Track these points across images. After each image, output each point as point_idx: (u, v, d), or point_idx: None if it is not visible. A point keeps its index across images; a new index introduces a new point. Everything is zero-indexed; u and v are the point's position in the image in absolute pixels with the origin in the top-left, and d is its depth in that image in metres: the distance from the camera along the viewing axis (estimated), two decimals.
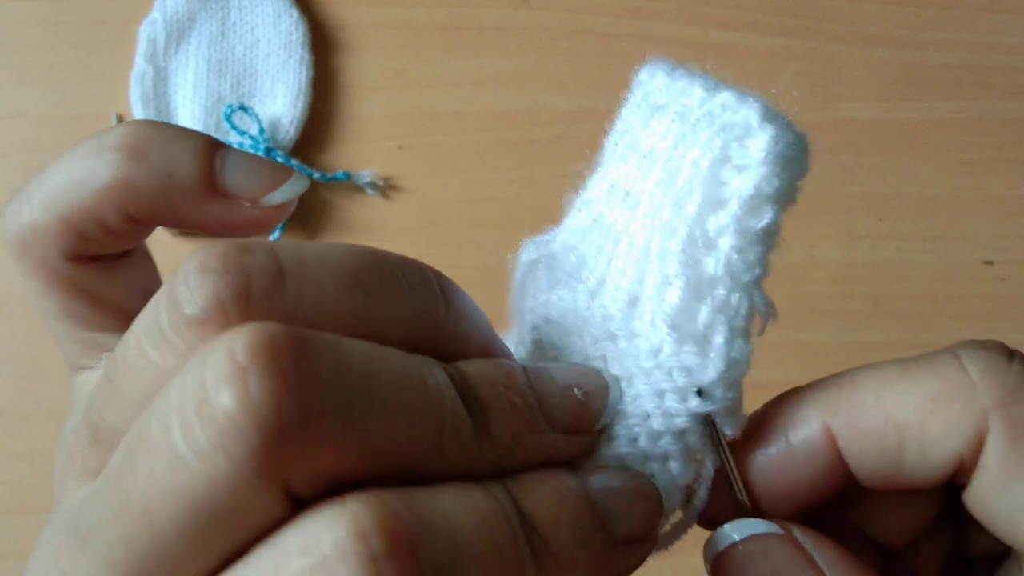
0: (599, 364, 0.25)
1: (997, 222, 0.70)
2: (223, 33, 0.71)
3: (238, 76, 0.70)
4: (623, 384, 0.25)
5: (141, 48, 0.69)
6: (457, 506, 0.20)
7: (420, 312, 0.22)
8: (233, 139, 0.67)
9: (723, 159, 0.24)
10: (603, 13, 0.72)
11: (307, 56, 0.70)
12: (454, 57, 0.71)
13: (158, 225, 0.24)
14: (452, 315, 0.23)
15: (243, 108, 0.67)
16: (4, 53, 0.69)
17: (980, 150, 0.71)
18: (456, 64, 0.71)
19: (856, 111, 0.71)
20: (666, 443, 0.24)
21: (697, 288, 0.24)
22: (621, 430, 0.24)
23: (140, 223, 0.24)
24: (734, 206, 0.24)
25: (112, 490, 0.20)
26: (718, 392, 0.24)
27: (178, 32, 0.70)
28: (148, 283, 0.27)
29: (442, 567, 0.19)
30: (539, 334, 0.27)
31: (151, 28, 0.69)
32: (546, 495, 0.22)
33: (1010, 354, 0.23)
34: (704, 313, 0.24)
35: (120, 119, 0.69)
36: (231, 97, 0.69)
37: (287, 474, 0.19)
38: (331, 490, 0.19)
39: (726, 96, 0.25)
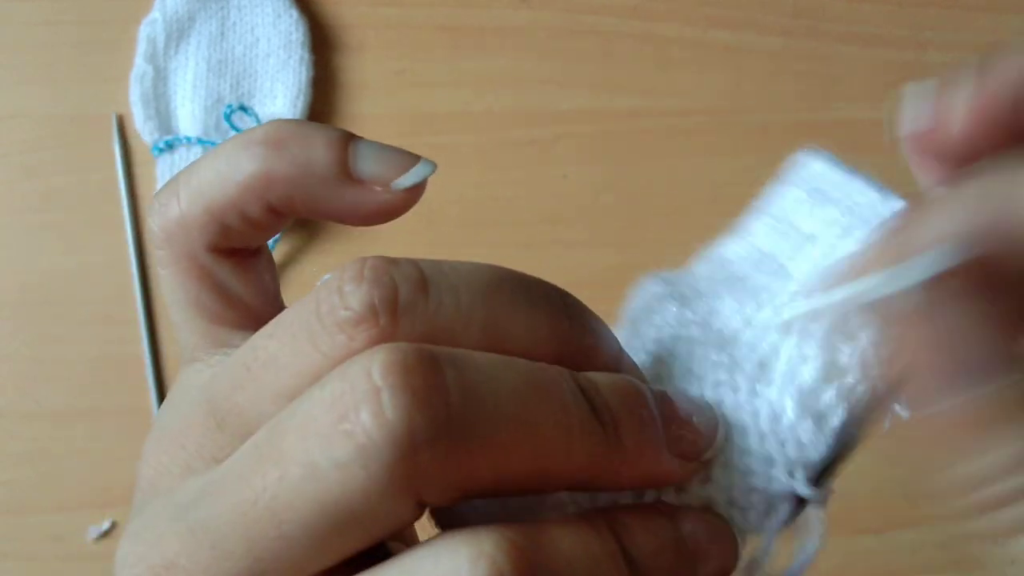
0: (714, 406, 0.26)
1: None
2: (223, 33, 0.71)
3: (238, 76, 0.70)
4: (735, 435, 0.26)
5: (141, 48, 0.69)
6: (576, 547, 0.22)
7: (547, 323, 0.24)
8: None
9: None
10: (603, 13, 0.72)
11: (307, 56, 0.70)
12: (454, 57, 0.71)
13: (296, 215, 0.26)
14: (578, 328, 0.24)
15: (243, 108, 0.67)
16: (4, 53, 0.69)
17: None
18: (456, 64, 0.71)
19: (856, 111, 0.71)
20: (756, 500, 0.25)
21: (829, 372, 0.26)
22: (719, 473, 0.26)
23: (279, 214, 0.26)
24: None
25: (237, 486, 0.21)
26: (819, 478, 0.26)
27: (178, 32, 0.70)
28: (273, 285, 0.29)
29: None
30: (659, 364, 0.28)
31: (151, 28, 0.69)
32: (648, 540, 0.23)
33: None
34: (828, 395, 0.26)
35: (120, 119, 0.69)
36: (231, 97, 0.70)
37: (419, 485, 0.21)
38: (463, 496, 0.21)
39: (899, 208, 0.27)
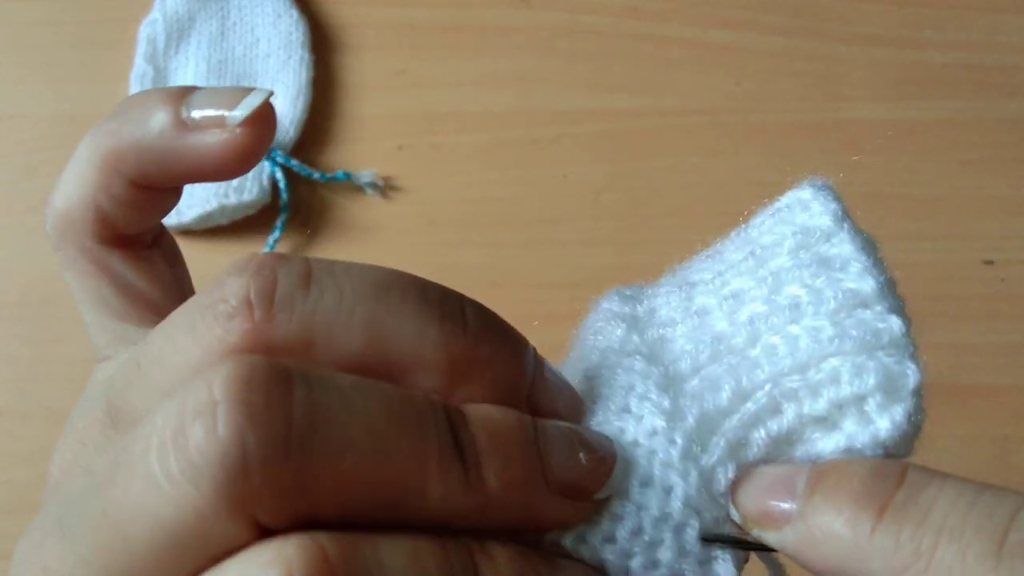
0: (641, 453, 0.24)
1: (997, 222, 0.70)
2: (223, 33, 0.71)
3: (238, 76, 0.70)
4: (648, 481, 0.24)
5: (141, 48, 0.69)
6: (402, 561, 0.20)
7: (438, 329, 0.22)
8: None
9: (858, 399, 0.24)
10: (603, 13, 0.72)
11: (307, 56, 0.70)
12: (454, 57, 0.71)
13: (156, 184, 0.26)
14: (473, 337, 0.23)
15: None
16: (4, 53, 0.69)
17: (980, 150, 0.71)
18: (456, 64, 0.71)
19: (856, 111, 0.71)
20: (666, 549, 0.24)
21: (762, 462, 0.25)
22: (626, 514, 0.24)
23: (143, 187, 0.26)
24: (831, 444, 0.24)
25: (95, 496, 0.21)
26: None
27: (178, 32, 0.70)
28: (174, 278, 0.29)
29: None
30: (590, 387, 0.26)
31: (151, 28, 0.69)
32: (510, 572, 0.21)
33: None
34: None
35: None
36: None
37: (252, 508, 0.19)
38: (304, 522, 0.20)
39: (897, 327, 0.24)
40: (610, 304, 0.28)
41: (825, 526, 0.22)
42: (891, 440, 0.24)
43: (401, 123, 0.70)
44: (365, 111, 0.70)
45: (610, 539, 0.24)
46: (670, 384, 0.25)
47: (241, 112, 0.25)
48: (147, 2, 0.70)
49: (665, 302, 0.27)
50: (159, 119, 0.25)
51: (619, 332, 0.27)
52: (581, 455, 0.23)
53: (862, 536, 0.22)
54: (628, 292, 0.28)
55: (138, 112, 0.26)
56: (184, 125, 0.25)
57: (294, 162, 0.68)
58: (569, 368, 0.27)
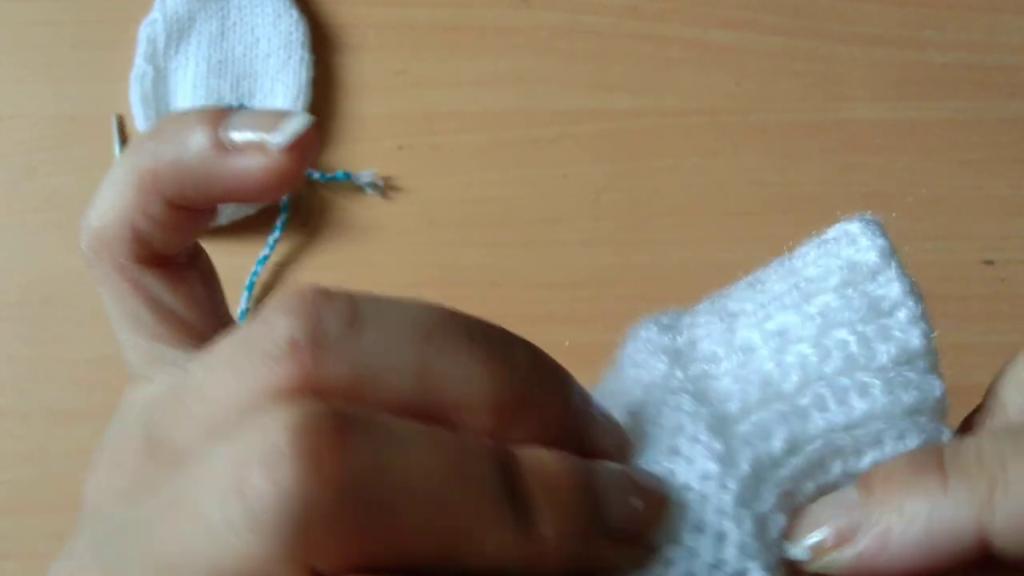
0: (692, 496, 0.24)
1: (997, 222, 0.70)
2: (223, 33, 0.71)
3: (238, 76, 0.70)
4: (701, 527, 0.23)
5: (141, 48, 0.69)
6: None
7: (487, 371, 0.22)
8: None
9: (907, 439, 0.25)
10: (603, 13, 0.72)
11: (307, 56, 0.70)
12: (454, 57, 0.71)
13: (194, 205, 0.26)
14: (520, 378, 0.22)
15: (243, 108, 0.67)
16: (4, 53, 0.69)
17: (980, 150, 0.71)
18: (456, 64, 0.71)
19: (856, 111, 0.71)
20: None
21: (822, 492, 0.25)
22: (679, 559, 0.23)
23: (182, 208, 0.26)
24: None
25: (143, 535, 0.21)
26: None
27: (178, 32, 0.70)
28: (210, 300, 0.28)
29: None
30: (636, 425, 0.25)
31: (151, 28, 0.69)
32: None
33: None
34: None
35: (120, 119, 0.69)
36: (231, 97, 0.69)
37: (312, 559, 0.19)
38: (359, 568, 0.20)
39: (937, 392, 0.25)
40: (649, 333, 0.27)
41: (898, 509, 0.22)
42: None
43: (401, 123, 0.70)
44: (365, 111, 0.70)
45: None
46: (720, 426, 0.24)
47: (282, 138, 0.25)
48: (147, 2, 0.70)
49: (706, 333, 0.26)
50: (198, 140, 0.25)
51: (661, 367, 0.26)
52: (633, 499, 0.23)
53: (937, 495, 0.22)
54: (666, 320, 0.27)
55: (176, 132, 0.26)
56: (223, 147, 0.25)
57: None
58: (606, 399, 0.26)
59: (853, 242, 0.26)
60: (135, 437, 0.23)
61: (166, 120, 0.26)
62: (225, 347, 0.22)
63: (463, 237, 0.68)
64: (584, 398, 0.24)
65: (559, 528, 0.21)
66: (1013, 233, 0.70)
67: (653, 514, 0.23)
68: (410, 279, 0.67)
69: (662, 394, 0.25)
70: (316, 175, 0.68)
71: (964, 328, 0.67)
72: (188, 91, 0.69)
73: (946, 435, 0.25)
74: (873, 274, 0.25)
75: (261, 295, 0.68)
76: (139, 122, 0.68)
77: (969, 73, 0.72)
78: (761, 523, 0.23)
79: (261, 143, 0.25)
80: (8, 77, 0.69)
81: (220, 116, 0.26)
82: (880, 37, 0.72)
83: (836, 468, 0.24)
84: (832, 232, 0.27)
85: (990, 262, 0.69)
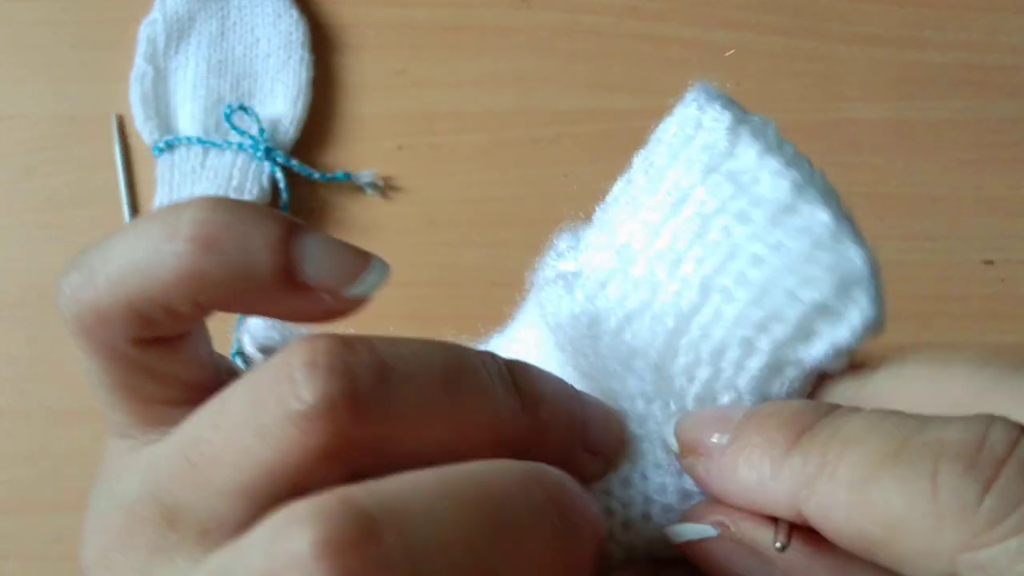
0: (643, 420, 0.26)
1: (997, 222, 0.70)
2: (223, 33, 0.71)
3: (238, 76, 0.70)
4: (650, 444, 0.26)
5: (141, 48, 0.69)
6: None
7: (504, 406, 0.23)
8: (233, 139, 0.67)
9: (822, 306, 0.24)
10: (603, 13, 0.72)
11: (307, 56, 0.70)
12: (454, 57, 0.71)
13: (227, 311, 0.24)
14: (530, 403, 0.23)
15: (243, 108, 0.67)
16: (4, 53, 0.69)
17: (980, 150, 0.71)
18: (456, 64, 0.71)
19: (856, 111, 0.71)
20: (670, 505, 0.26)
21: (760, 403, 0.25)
22: (636, 478, 0.26)
23: (210, 308, 0.23)
24: (819, 350, 0.24)
25: None
26: None
27: (178, 32, 0.70)
28: (209, 354, 0.26)
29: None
30: (576, 359, 0.27)
31: (151, 28, 0.69)
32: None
33: (987, 484, 0.20)
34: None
35: (120, 119, 0.69)
36: (231, 97, 0.69)
37: None
38: None
39: (825, 221, 0.24)
40: (548, 271, 0.28)
41: (745, 451, 0.22)
42: (873, 326, 0.24)
43: (401, 123, 0.70)
44: (365, 111, 0.70)
45: (625, 483, 0.26)
46: (659, 376, 0.26)
47: (363, 290, 0.23)
48: (147, 2, 0.70)
49: (609, 273, 0.27)
50: (264, 264, 0.22)
51: (565, 296, 0.27)
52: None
53: (776, 458, 0.22)
54: (564, 246, 0.29)
55: (236, 248, 0.22)
56: (293, 283, 0.22)
57: (294, 162, 0.68)
58: (531, 332, 0.29)
59: (699, 125, 0.26)
60: (145, 511, 0.22)
61: (219, 224, 0.22)
62: (237, 407, 0.21)
63: (463, 237, 0.68)
64: (579, 399, 0.26)
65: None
66: (1013, 233, 0.70)
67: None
68: (410, 279, 0.67)
69: (605, 363, 0.26)
70: (316, 175, 0.68)
71: (964, 328, 0.67)
72: (188, 91, 0.69)
73: (857, 255, 0.24)
74: (730, 150, 0.25)
75: None
76: (139, 122, 0.68)
77: (969, 73, 0.72)
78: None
79: (336, 289, 0.23)
80: (8, 77, 0.69)
81: (288, 240, 0.22)
82: (880, 37, 0.72)
83: (764, 344, 0.24)
84: (677, 119, 0.27)
85: (990, 262, 0.69)
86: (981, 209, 0.70)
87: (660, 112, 0.29)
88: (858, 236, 0.24)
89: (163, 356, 0.24)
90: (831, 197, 0.25)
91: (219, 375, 0.26)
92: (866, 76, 0.72)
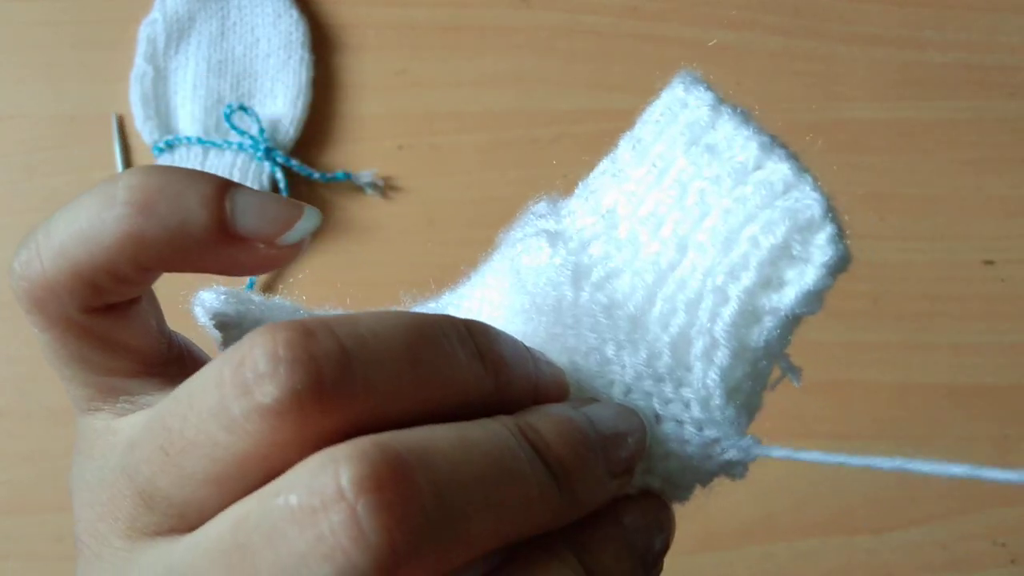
0: (639, 398, 0.27)
1: (997, 222, 0.70)
2: (223, 33, 0.71)
3: (238, 76, 0.70)
4: (669, 424, 0.27)
5: (141, 48, 0.69)
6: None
7: (468, 369, 0.23)
8: (233, 139, 0.67)
9: (783, 247, 0.26)
10: (603, 13, 0.72)
11: (307, 56, 0.70)
12: (454, 57, 0.71)
13: (172, 270, 0.25)
14: (492, 364, 0.24)
15: (243, 108, 0.67)
16: (4, 53, 0.69)
17: (980, 150, 0.71)
18: (456, 64, 0.71)
19: (856, 111, 0.71)
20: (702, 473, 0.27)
21: (739, 353, 0.26)
22: (657, 465, 0.27)
23: (153, 270, 0.24)
24: (789, 295, 0.26)
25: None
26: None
27: (178, 32, 0.70)
28: (159, 323, 0.27)
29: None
30: (541, 327, 0.28)
31: (151, 28, 0.69)
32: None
33: None
34: (739, 373, 0.27)
35: (120, 119, 0.69)
36: (231, 97, 0.70)
37: None
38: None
39: (785, 172, 0.26)
40: (527, 228, 0.30)
41: None
42: (835, 264, 0.26)
43: (401, 123, 0.70)
44: (365, 111, 0.70)
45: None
46: (635, 326, 0.27)
47: (297, 236, 0.24)
48: (147, 2, 0.70)
49: (593, 234, 0.28)
50: (199, 220, 0.23)
51: (546, 248, 0.29)
52: (629, 439, 0.25)
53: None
54: (543, 208, 0.31)
55: (173, 204, 0.23)
56: (228, 235, 0.24)
57: (294, 162, 0.68)
58: (505, 295, 0.29)
59: (684, 105, 0.28)
60: (124, 490, 0.23)
61: (154, 185, 0.23)
62: (204, 399, 0.21)
63: (463, 237, 0.68)
64: (532, 355, 0.26)
65: (588, 486, 0.24)
66: (1013, 233, 0.70)
67: (641, 444, 0.26)
68: (410, 279, 0.67)
69: (573, 311, 0.27)
70: (316, 175, 0.68)
71: (964, 328, 0.67)
72: (188, 91, 0.69)
73: (814, 200, 0.25)
74: (710, 125, 0.28)
75: (263, 292, 0.68)
76: (139, 122, 0.68)
77: (969, 73, 0.72)
78: (704, 395, 0.26)
79: (270, 238, 0.24)
80: (8, 77, 0.69)
81: (223, 195, 0.24)
82: (880, 37, 0.72)
83: (734, 292, 0.26)
84: (664, 102, 0.29)
85: (990, 262, 0.69)
86: (981, 209, 0.70)
87: None
88: (817, 186, 0.26)
89: (114, 323, 0.25)
90: (792, 156, 0.27)
91: (172, 348, 0.27)
92: (866, 76, 0.72)
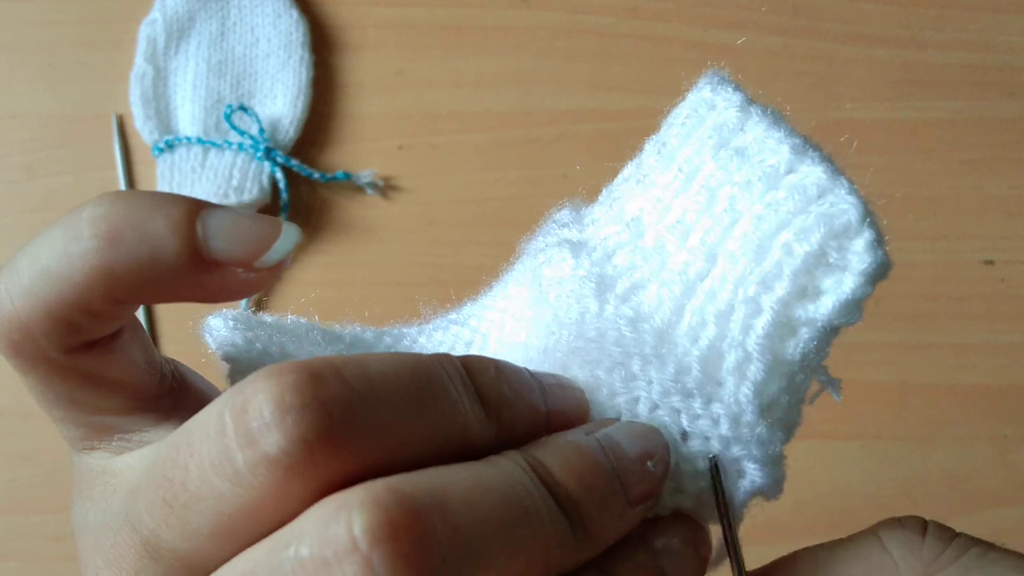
0: (665, 415, 0.25)
1: (997, 222, 0.70)
2: (223, 33, 0.71)
3: (238, 76, 0.70)
4: (695, 442, 0.25)
5: (141, 48, 0.69)
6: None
7: (470, 415, 0.22)
8: (233, 139, 0.67)
9: (819, 254, 0.24)
10: (603, 13, 0.72)
11: (307, 56, 0.70)
12: (454, 57, 0.71)
13: (147, 303, 0.24)
14: (494, 406, 0.23)
15: (243, 108, 0.67)
16: (4, 53, 0.69)
17: (980, 150, 0.71)
18: (456, 64, 0.71)
19: (856, 111, 0.71)
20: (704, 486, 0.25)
21: (773, 367, 0.25)
22: (687, 484, 0.25)
23: (128, 303, 0.23)
24: (827, 305, 0.25)
25: None
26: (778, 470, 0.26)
27: (178, 32, 0.70)
28: (146, 356, 0.25)
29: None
30: (581, 362, 0.26)
31: (151, 28, 0.69)
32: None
33: (923, 528, 0.24)
34: (774, 388, 0.25)
35: (120, 119, 0.69)
36: (231, 97, 0.69)
37: None
38: None
39: (819, 176, 0.25)
40: (550, 236, 0.28)
41: None
42: (874, 271, 0.25)
43: (401, 123, 0.70)
44: (365, 111, 0.70)
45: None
46: (662, 340, 0.25)
47: (276, 257, 0.23)
48: (147, 2, 0.70)
49: (618, 244, 0.27)
50: (170, 247, 0.22)
51: (569, 260, 0.27)
52: (649, 463, 0.24)
53: None
54: (566, 218, 0.29)
55: (140, 233, 0.22)
56: (202, 262, 0.22)
57: (294, 162, 0.68)
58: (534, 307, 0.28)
59: (712, 107, 0.27)
60: (128, 540, 0.22)
61: (120, 215, 0.22)
62: (206, 447, 0.20)
63: (463, 237, 0.68)
64: (539, 384, 0.25)
65: (604, 523, 0.23)
66: (1013, 233, 0.70)
67: (663, 471, 0.24)
68: (410, 279, 0.67)
69: (598, 323, 0.26)
70: (316, 175, 0.68)
71: (964, 328, 0.67)
72: (188, 91, 0.69)
73: (851, 204, 0.24)
74: (739, 127, 0.26)
75: (261, 296, 0.68)
76: (139, 122, 0.68)
77: (969, 73, 0.72)
78: (735, 413, 0.25)
79: (247, 261, 0.22)
80: (8, 77, 0.69)
81: (192, 220, 0.22)
82: (880, 37, 0.72)
83: (767, 303, 0.25)
84: (691, 103, 0.27)
85: (990, 262, 0.69)
86: (981, 209, 0.70)
87: (660, 112, 0.29)
88: (853, 190, 0.25)
89: (98, 360, 0.24)
90: (826, 157, 0.26)
91: (164, 380, 0.26)
92: (866, 76, 0.72)
